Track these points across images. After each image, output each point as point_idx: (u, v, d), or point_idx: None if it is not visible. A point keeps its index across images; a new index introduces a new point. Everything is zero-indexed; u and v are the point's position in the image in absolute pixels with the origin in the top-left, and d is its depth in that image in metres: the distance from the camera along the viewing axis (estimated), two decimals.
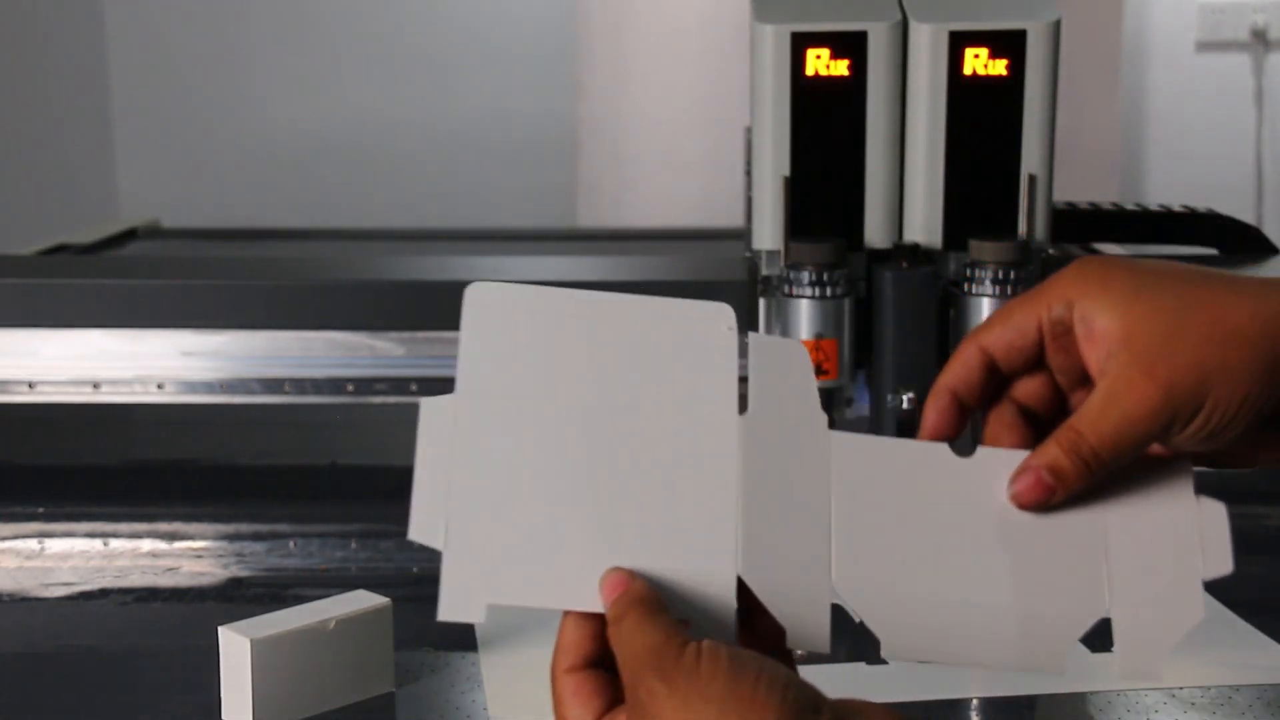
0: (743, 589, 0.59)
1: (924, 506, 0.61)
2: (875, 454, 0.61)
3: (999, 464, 0.62)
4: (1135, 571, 0.60)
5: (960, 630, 0.59)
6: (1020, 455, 0.61)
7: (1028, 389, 0.64)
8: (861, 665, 0.89)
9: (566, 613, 0.59)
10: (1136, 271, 0.61)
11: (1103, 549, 0.60)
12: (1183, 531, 0.61)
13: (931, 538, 0.60)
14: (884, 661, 0.59)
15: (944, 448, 0.62)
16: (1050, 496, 0.60)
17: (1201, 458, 0.63)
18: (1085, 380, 0.63)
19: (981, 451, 0.63)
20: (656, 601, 0.57)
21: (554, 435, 0.60)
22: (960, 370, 0.63)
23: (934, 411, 0.63)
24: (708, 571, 0.59)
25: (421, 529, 0.59)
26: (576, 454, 0.60)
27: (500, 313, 0.61)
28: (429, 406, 0.60)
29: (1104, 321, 0.60)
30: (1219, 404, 0.59)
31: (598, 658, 0.59)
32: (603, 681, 0.59)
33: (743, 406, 0.61)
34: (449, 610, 0.58)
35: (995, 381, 0.63)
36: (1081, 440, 0.59)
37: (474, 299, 0.62)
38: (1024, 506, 0.60)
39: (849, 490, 0.60)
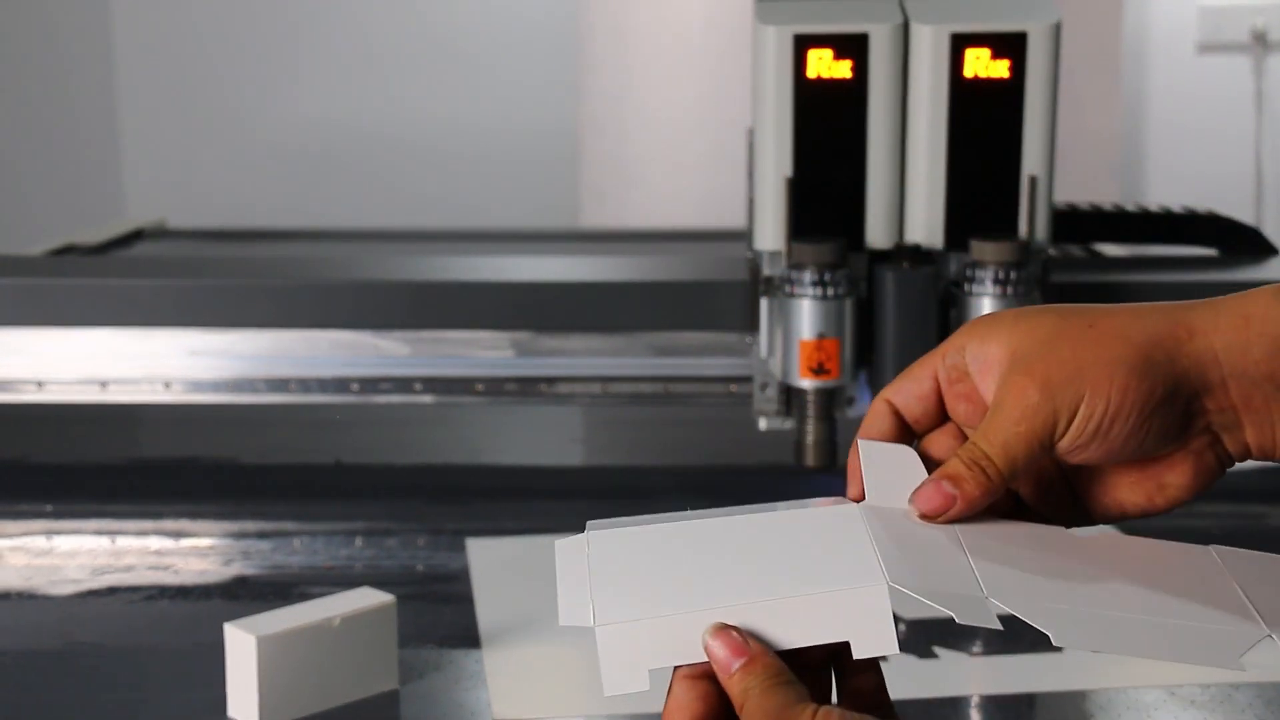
0: (843, 657, 0.60)
1: (1044, 552, 0.62)
2: (994, 525, 0.62)
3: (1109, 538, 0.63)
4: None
5: (1124, 629, 0.59)
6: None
7: (939, 444, 0.65)
8: None
9: (677, 673, 0.60)
10: (1020, 311, 0.64)
11: (1228, 579, 0.61)
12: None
13: (1061, 577, 0.61)
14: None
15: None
16: (949, 505, 0.61)
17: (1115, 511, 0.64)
18: None
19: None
20: (784, 672, 0.58)
21: (689, 535, 0.62)
22: (874, 423, 0.65)
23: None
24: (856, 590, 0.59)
25: (570, 613, 0.60)
26: (713, 545, 0.61)
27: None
28: (563, 545, 0.62)
29: (991, 350, 0.62)
30: (1098, 394, 0.60)
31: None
32: None
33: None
34: (613, 685, 0.58)
35: (907, 436, 0.65)
36: (975, 449, 0.61)
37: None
38: (925, 516, 0.61)
39: (975, 544, 0.61)
